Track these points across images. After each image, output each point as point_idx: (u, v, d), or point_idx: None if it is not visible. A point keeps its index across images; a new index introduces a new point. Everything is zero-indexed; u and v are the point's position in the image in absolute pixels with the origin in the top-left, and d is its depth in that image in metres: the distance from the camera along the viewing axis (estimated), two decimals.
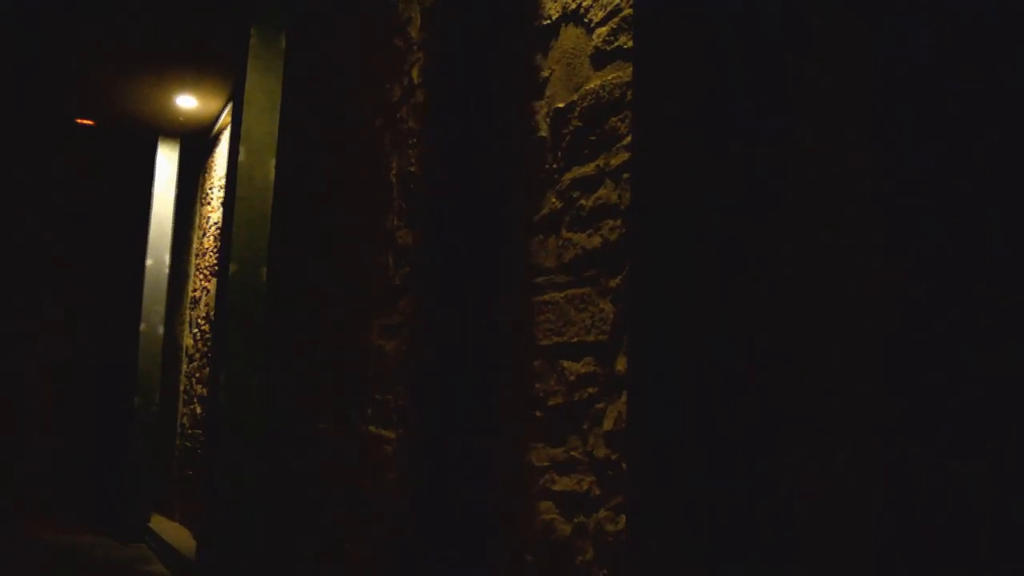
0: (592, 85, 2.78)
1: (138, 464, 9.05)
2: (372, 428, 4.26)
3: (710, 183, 2.35)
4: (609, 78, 2.70)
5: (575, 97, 2.86)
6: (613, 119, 2.66)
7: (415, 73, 4.25)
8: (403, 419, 3.93)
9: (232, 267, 5.20)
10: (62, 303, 10.89)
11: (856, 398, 1.96)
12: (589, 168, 2.74)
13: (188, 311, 9.90)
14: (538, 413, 2.86)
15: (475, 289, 3.40)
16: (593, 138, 2.74)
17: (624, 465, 2.47)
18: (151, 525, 8.87)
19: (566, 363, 2.75)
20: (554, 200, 2.90)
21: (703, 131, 2.35)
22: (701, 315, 2.37)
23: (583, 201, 2.75)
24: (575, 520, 2.62)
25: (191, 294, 9.88)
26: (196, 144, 9.83)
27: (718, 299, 2.40)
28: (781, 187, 2.30)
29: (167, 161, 9.52)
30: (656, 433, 2.24)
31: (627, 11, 2.66)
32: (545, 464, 2.80)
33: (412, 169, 4.14)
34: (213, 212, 9.02)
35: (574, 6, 2.91)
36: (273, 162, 5.32)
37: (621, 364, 2.52)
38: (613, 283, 2.57)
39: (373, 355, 4.36)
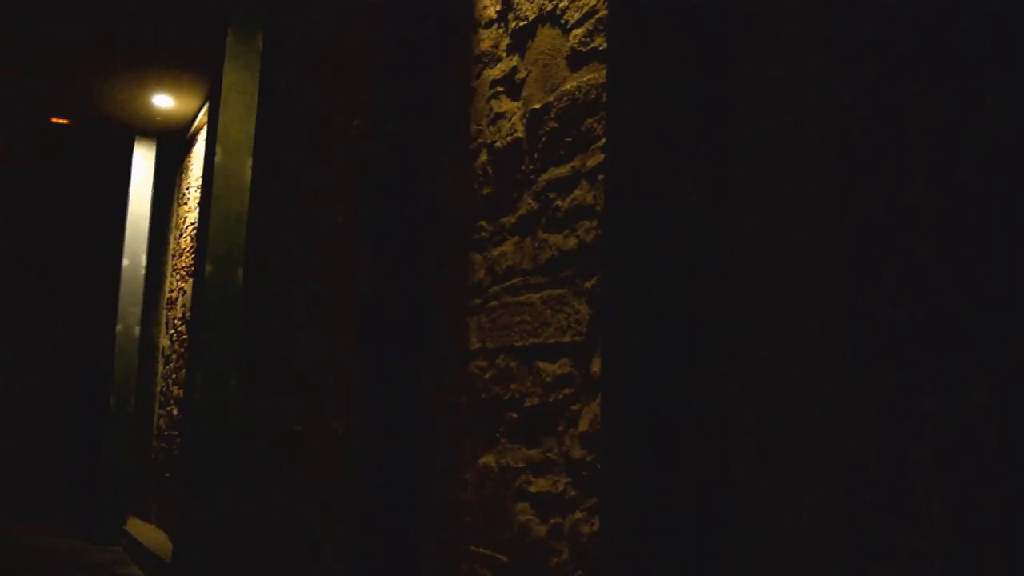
0: (568, 86, 2.78)
1: (114, 466, 8.99)
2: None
3: (684, 184, 2.35)
4: (585, 79, 2.70)
5: (551, 98, 2.86)
6: (589, 120, 2.66)
7: None
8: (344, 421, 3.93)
9: (208, 268, 5.18)
10: (36, 304, 10.80)
11: (826, 398, 1.97)
12: (565, 169, 2.74)
13: (165, 312, 9.84)
14: (514, 414, 2.86)
15: (414, 305, 3.43)
16: (569, 139, 2.74)
17: (599, 466, 2.47)
18: (127, 527, 8.81)
19: (542, 364, 2.75)
20: (530, 201, 2.90)
21: (676, 133, 2.35)
22: (675, 316, 2.37)
23: (559, 202, 2.75)
24: (551, 521, 2.62)
25: (168, 295, 9.83)
26: (173, 144, 9.78)
27: (692, 300, 2.41)
28: (754, 188, 2.31)
29: (144, 161, 9.46)
30: (630, 434, 2.24)
31: (603, 12, 2.66)
32: (521, 465, 2.80)
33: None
34: (190, 212, 8.97)
35: (550, 7, 2.91)
36: (250, 162, 5.30)
37: (596, 365, 2.53)
38: (588, 284, 2.57)
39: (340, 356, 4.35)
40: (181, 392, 8.49)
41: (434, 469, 3.36)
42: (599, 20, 2.67)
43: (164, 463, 8.97)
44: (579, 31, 2.75)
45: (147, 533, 8.43)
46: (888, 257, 1.85)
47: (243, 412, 5.46)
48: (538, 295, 2.81)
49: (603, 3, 2.66)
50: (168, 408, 9.08)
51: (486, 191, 3.20)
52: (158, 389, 9.73)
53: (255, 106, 5.38)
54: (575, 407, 2.57)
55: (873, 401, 1.87)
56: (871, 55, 1.93)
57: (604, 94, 2.62)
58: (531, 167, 2.93)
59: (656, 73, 2.31)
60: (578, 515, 2.51)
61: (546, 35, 2.93)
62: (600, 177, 2.59)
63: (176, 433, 8.49)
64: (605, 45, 2.64)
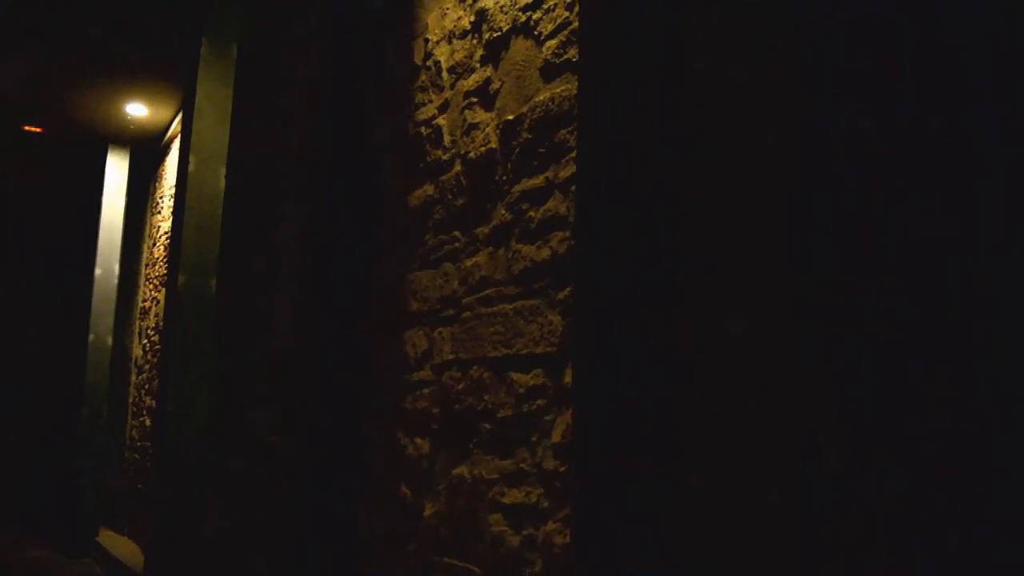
0: (542, 97, 2.78)
1: (86, 477, 8.91)
2: None
3: (654, 194, 2.36)
4: (558, 91, 2.71)
5: (525, 109, 2.86)
6: (562, 131, 2.67)
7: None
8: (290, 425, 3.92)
9: (181, 277, 5.14)
10: (6, 313, 10.70)
11: (798, 409, 1.98)
12: (539, 180, 2.75)
13: (138, 321, 9.77)
14: (488, 425, 2.86)
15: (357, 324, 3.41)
16: (542, 151, 2.74)
17: (571, 477, 2.47)
18: (99, 539, 8.73)
19: (515, 375, 2.74)
20: (503, 212, 2.90)
21: (647, 144, 2.35)
22: (646, 326, 2.37)
23: (532, 213, 2.75)
24: (524, 532, 2.62)
25: (141, 304, 9.76)
26: (147, 152, 9.72)
27: (662, 310, 2.41)
28: (724, 199, 2.31)
29: (117, 169, 9.40)
30: (601, 445, 2.24)
31: (576, 24, 2.67)
32: (495, 476, 2.79)
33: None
34: (164, 221, 8.92)
35: (524, 18, 2.91)
36: (224, 172, 5.27)
37: (569, 376, 2.53)
38: (561, 295, 2.57)
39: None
40: (154, 402, 8.43)
41: (390, 482, 3.35)
42: (572, 32, 2.68)
43: (137, 474, 8.90)
44: (552, 42, 2.75)
45: (119, 545, 8.35)
46: (851, 272, 1.86)
47: (216, 423, 5.42)
48: (511, 306, 2.81)
49: (576, 15, 2.67)
50: (141, 419, 9.01)
51: (460, 202, 3.19)
52: (131, 399, 9.65)
53: (229, 115, 5.36)
54: (548, 418, 2.57)
55: (832, 411, 1.89)
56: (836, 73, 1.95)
57: (577, 105, 2.63)
58: (505, 178, 2.93)
59: (627, 84, 2.32)
60: (551, 526, 2.51)
61: (520, 46, 2.94)
62: (573, 188, 2.60)
63: (149, 444, 8.42)
64: (577, 57, 2.65)
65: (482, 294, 2.98)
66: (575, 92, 2.64)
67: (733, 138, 2.17)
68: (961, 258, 1.68)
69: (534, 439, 2.62)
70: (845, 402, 1.91)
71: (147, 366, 8.98)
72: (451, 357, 3.14)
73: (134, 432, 9.31)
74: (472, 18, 3.26)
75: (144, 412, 8.88)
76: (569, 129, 2.64)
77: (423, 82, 3.62)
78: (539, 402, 2.62)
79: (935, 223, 1.72)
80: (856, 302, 1.85)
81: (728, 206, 2.44)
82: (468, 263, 3.09)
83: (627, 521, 2.14)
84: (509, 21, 3.01)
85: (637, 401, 2.35)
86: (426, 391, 3.30)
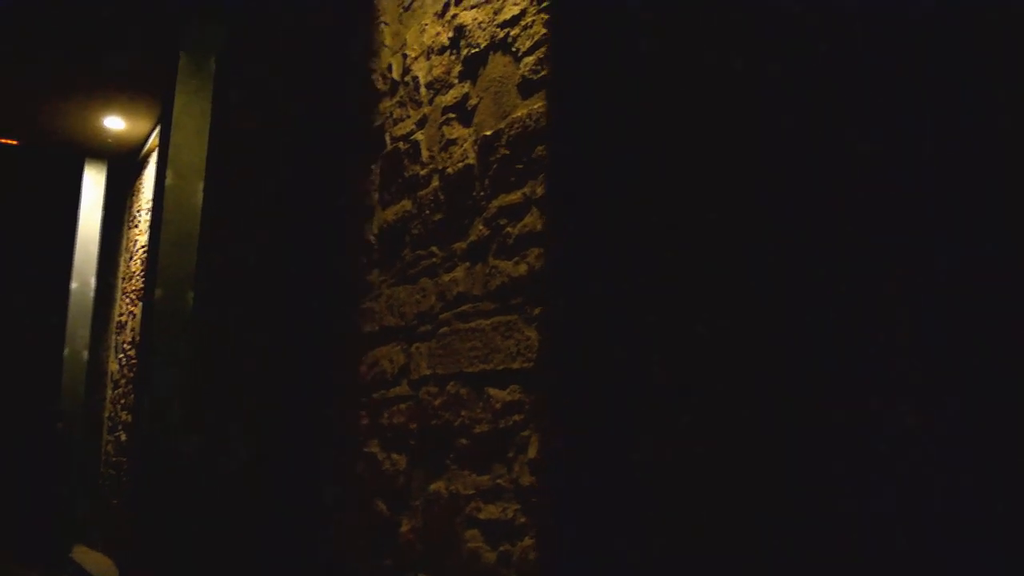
0: (519, 113, 2.79)
1: (60, 492, 8.83)
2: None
3: (627, 210, 2.37)
4: (535, 107, 2.72)
5: (502, 125, 2.87)
6: (540, 148, 2.68)
7: None
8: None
9: (158, 292, 5.11)
10: None
11: (770, 419, 1.99)
12: (516, 196, 2.75)
13: (114, 336, 9.70)
14: (464, 441, 2.85)
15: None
16: (520, 166, 2.75)
17: (545, 493, 2.48)
18: (73, 555, 8.64)
19: (492, 390, 2.74)
20: (481, 227, 2.91)
21: (617, 160, 2.37)
22: (621, 341, 2.38)
23: (510, 229, 2.76)
24: (500, 548, 2.61)
25: (117, 318, 9.69)
26: (124, 166, 9.68)
27: (637, 324, 2.42)
28: (695, 214, 2.33)
29: (94, 183, 9.36)
30: (575, 461, 2.25)
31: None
32: (471, 492, 2.79)
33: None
34: (141, 235, 8.87)
35: (502, 35, 2.93)
36: (202, 186, 5.25)
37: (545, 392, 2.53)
38: (538, 311, 2.58)
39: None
40: (129, 417, 8.37)
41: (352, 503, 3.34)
42: (550, 48, 2.69)
43: (112, 489, 8.83)
44: (530, 59, 2.77)
45: (94, 561, 8.27)
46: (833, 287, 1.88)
47: (191, 439, 5.38)
48: (489, 321, 2.81)
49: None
50: (116, 434, 8.94)
51: (437, 217, 3.20)
52: (106, 414, 9.58)
53: (207, 129, 5.34)
54: (525, 433, 2.57)
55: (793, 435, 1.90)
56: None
57: (549, 123, 2.65)
58: (482, 193, 2.93)
59: (596, 103, 2.33)
60: (527, 542, 2.50)
61: (498, 63, 2.95)
62: (548, 205, 2.60)
63: (124, 459, 8.35)
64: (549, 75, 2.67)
65: (459, 309, 2.98)
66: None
67: (700, 153, 2.19)
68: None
69: (511, 455, 2.62)
70: (821, 416, 1.93)
71: (123, 380, 8.93)
72: (428, 372, 3.14)
73: (109, 447, 9.24)
74: (450, 34, 3.28)
75: (120, 427, 8.81)
76: (546, 145, 2.65)
77: (401, 97, 3.63)
78: (516, 417, 2.62)
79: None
80: (822, 317, 1.87)
81: (693, 218, 2.46)
82: (446, 278, 3.10)
83: (598, 536, 2.14)
84: (487, 37, 3.02)
85: (610, 415, 2.36)
86: (403, 406, 3.29)
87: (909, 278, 3.20)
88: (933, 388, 3.19)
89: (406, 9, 3.70)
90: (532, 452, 2.52)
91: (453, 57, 3.24)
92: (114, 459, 8.89)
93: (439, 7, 3.39)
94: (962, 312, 3.26)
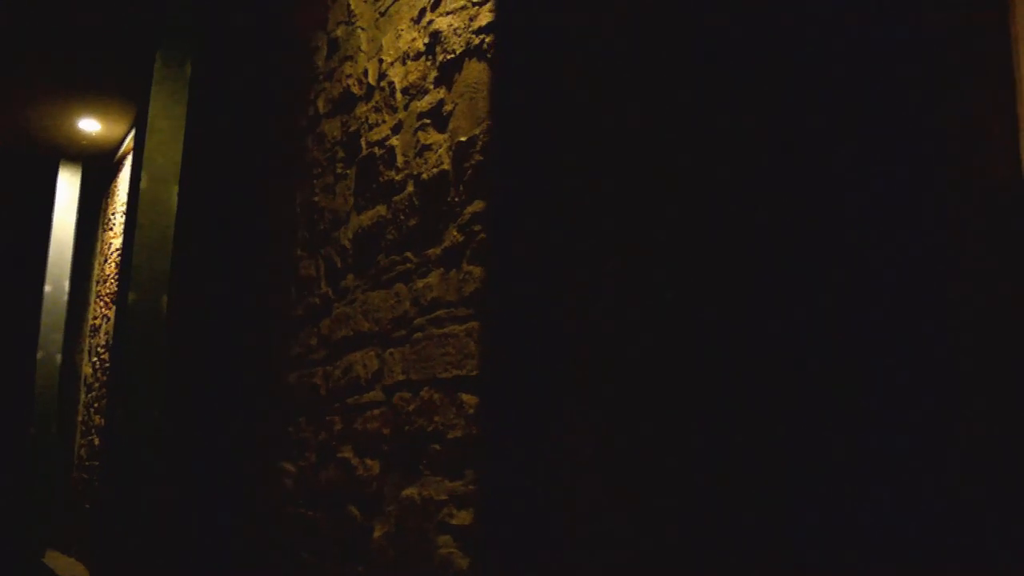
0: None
1: (32, 497, 8.76)
2: (273, 461, 4.20)
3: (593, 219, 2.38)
4: None
5: (477, 131, 2.88)
6: None
7: (320, 103, 4.23)
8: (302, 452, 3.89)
9: (132, 295, 5.09)
10: None
11: (706, 426, 2.01)
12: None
13: (88, 339, 9.64)
14: (437, 447, 2.86)
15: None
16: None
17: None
18: (46, 560, 8.58)
19: (465, 396, 2.75)
20: (455, 233, 2.91)
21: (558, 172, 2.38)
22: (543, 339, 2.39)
23: (484, 235, 2.76)
24: (472, 554, 2.62)
25: (91, 321, 9.63)
26: (99, 168, 9.62)
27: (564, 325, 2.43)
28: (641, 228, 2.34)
29: (68, 185, 9.30)
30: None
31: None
32: (444, 498, 2.79)
33: (316, 199, 4.12)
34: (116, 238, 8.82)
35: (477, 41, 2.93)
36: (176, 189, 5.24)
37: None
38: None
39: (277, 387, 4.30)
40: (103, 421, 8.32)
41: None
42: None
43: (85, 494, 8.76)
44: None
45: (66, 566, 8.21)
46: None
47: (167, 444, 5.36)
48: (463, 327, 2.81)
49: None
50: (90, 438, 8.88)
51: (412, 223, 3.20)
52: (80, 418, 9.51)
53: (183, 133, 5.33)
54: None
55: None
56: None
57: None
58: (457, 199, 2.94)
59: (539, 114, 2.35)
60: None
61: (473, 69, 2.95)
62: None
63: (97, 463, 8.30)
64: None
65: (434, 315, 2.98)
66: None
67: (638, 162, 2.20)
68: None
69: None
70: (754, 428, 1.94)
71: (97, 384, 8.87)
72: (402, 378, 3.14)
73: (82, 451, 9.17)
74: (426, 40, 3.28)
75: (93, 431, 8.76)
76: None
77: (377, 102, 3.63)
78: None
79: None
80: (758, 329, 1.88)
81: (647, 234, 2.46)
82: (420, 284, 3.10)
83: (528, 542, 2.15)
84: (463, 44, 3.03)
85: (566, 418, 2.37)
86: (377, 412, 3.29)
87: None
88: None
89: (382, 14, 3.70)
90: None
91: (429, 63, 3.24)
92: (87, 463, 8.83)
93: (415, 13, 3.40)
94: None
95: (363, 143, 3.71)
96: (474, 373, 2.72)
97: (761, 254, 3.26)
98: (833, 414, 3.24)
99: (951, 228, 3.31)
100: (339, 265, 3.79)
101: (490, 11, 2.89)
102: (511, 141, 2.81)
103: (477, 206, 2.82)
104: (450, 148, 3.02)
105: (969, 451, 3.15)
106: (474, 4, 2.98)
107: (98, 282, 9.54)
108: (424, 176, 3.17)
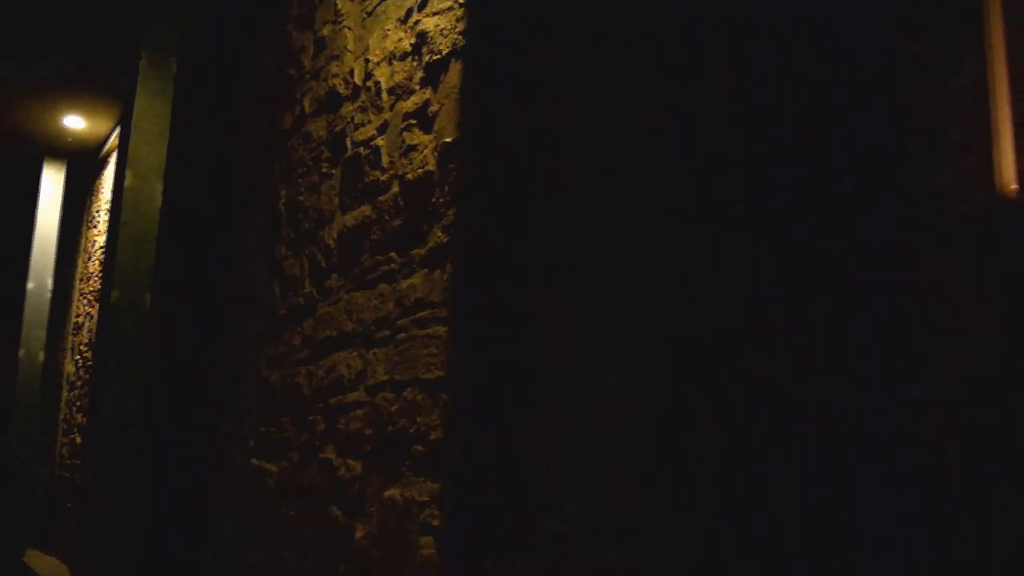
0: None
1: (14, 495, 8.71)
2: (255, 461, 4.19)
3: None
4: None
5: (459, 134, 2.88)
6: None
7: (306, 102, 4.23)
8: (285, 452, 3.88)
9: (115, 293, 5.07)
10: None
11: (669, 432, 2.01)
12: None
13: (70, 337, 9.60)
14: (420, 448, 2.85)
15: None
16: None
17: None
18: (26, 559, 8.53)
19: (447, 397, 2.75)
20: (440, 234, 2.91)
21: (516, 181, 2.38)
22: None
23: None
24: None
25: (74, 319, 9.59)
26: (84, 165, 9.58)
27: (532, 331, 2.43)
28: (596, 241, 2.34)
29: (53, 182, 9.26)
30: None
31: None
32: (426, 499, 2.79)
33: (301, 198, 4.11)
34: (100, 236, 8.78)
35: (463, 42, 2.93)
36: (161, 187, 5.22)
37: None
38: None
39: (260, 386, 4.29)
40: (85, 420, 8.28)
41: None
42: None
43: (67, 492, 8.72)
44: None
45: (47, 566, 8.17)
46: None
47: (149, 441, 5.34)
48: (446, 328, 2.81)
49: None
50: (72, 436, 8.84)
51: (397, 223, 3.20)
52: (62, 416, 9.47)
53: (168, 130, 5.31)
54: None
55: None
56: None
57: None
58: (442, 200, 2.94)
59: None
60: None
61: (459, 69, 2.95)
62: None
63: (79, 462, 8.26)
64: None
65: (417, 316, 2.98)
66: None
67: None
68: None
69: None
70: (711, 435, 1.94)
71: (79, 383, 8.83)
72: (385, 378, 3.13)
73: (64, 450, 9.13)
74: (413, 40, 3.28)
75: (75, 430, 8.71)
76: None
77: (363, 102, 3.63)
78: None
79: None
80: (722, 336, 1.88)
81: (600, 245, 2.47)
82: (404, 284, 3.09)
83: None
84: (449, 44, 3.03)
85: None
86: (360, 412, 3.29)
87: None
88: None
89: (369, 14, 3.70)
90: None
91: (415, 63, 3.24)
92: (69, 462, 8.79)
93: (402, 13, 3.39)
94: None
95: (349, 143, 3.71)
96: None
97: (724, 260, 3.28)
98: (772, 428, 3.26)
99: (921, 243, 3.32)
100: (323, 265, 3.78)
101: (463, 15, 2.89)
102: (483, 146, 2.82)
103: (457, 207, 2.82)
104: (435, 149, 3.02)
105: (920, 469, 3.17)
106: (460, 5, 2.99)
107: (81, 280, 9.50)
108: (409, 176, 3.16)
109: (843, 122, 3.52)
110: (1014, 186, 2.96)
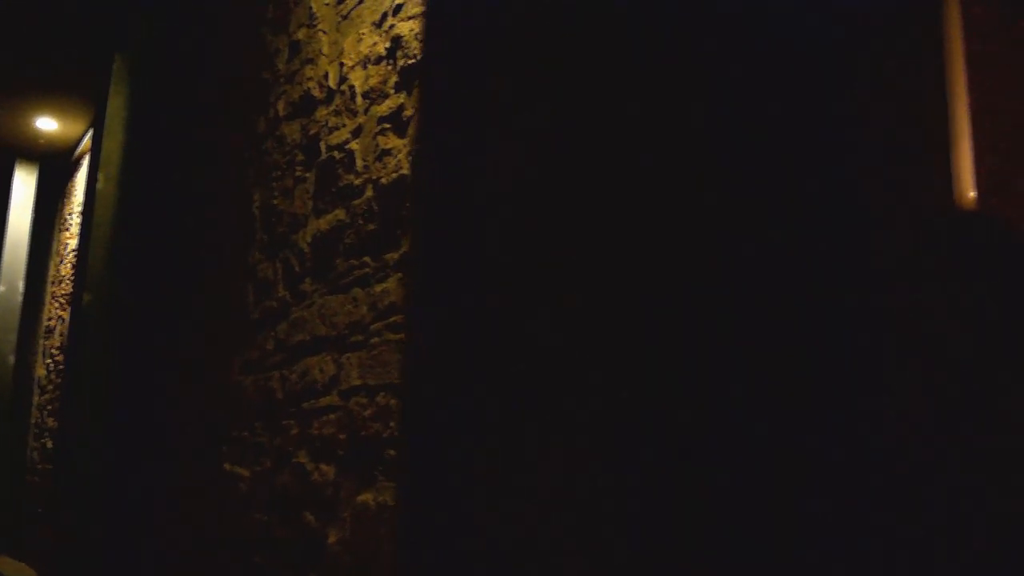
0: None
1: None
2: (227, 466, 4.17)
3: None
4: None
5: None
6: None
7: (280, 105, 4.21)
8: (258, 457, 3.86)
9: (87, 297, 5.04)
10: None
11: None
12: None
13: (42, 341, 9.51)
14: (392, 452, 2.85)
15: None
16: None
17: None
18: None
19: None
20: (413, 239, 2.91)
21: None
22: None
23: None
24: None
25: (46, 323, 9.51)
26: (57, 167, 9.50)
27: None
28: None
29: (24, 184, 9.18)
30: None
31: None
32: (393, 504, 2.78)
33: (275, 202, 4.10)
34: (72, 238, 8.71)
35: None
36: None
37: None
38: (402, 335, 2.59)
39: (232, 391, 4.27)
40: (57, 424, 8.21)
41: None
42: None
43: (38, 498, 8.64)
44: None
45: (16, 571, 8.08)
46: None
47: (121, 446, 5.30)
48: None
49: None
50: (43, 440, 8.76)
51: (371, 227, 3.19)
52: (33, 420, 9.38)
53: (140, 132, 5.28)
54: None
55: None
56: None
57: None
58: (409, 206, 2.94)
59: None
60: None
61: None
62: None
63: (50, 466, 8.19)
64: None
65: (391, 320, 2.98)
66: None
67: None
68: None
69: None
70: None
71: (51, 387, 8.75)
72: (359, 383, 3.13)
73: (35, 454, 9.05)
74: (387, 44, 3.27)
75: (46, 433, 8.64)
76: None
77: (337, 106, 3.62)
78: None
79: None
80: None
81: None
82: (378, 289, 3.09)
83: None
84: (424, 48, 3.03)
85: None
86: (333, 416, 3.28)
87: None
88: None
89: (344, 18, 3.69)
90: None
91: (389, 67, 3.24)
92: (40, 466, 8.71)
93: (377, 17, 3.39)
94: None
95: (323, 146, 3.70)
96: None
97: (683, 273, 3.29)
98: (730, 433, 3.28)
99: (884, 252, 3.35)
100: (297, 269, 3.77)
101: (420, 16, 2.89)
102: (436, 151, 2.83)
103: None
104: (410, 153, 3.02)
105: (879, 477, 3.20)
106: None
107: (53, 283, 9.42)
108: (384, 181, 3.16)
109: (800, 130, 3.55)
110: (972, 193, 2.99)
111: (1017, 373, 2.92)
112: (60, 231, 9.50)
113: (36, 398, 9.38)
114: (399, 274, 2.96)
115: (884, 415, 3.29)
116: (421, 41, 3.01)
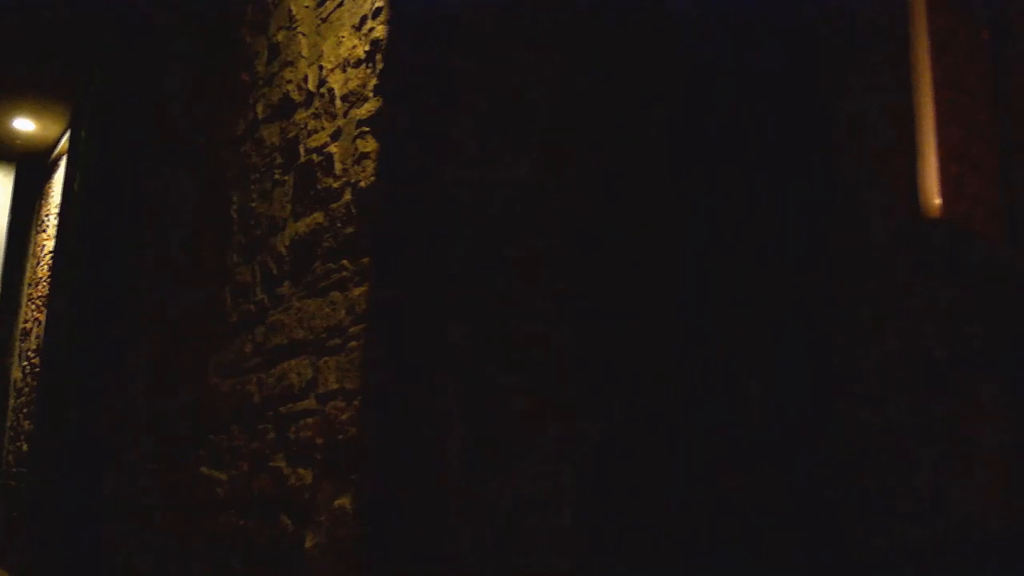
0: None
1: None
2: (204, 469, 4.15)
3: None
4: None
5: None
6: None
7: (259, 108, 4.20)
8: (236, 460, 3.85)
9: (60, 299, 5.00)
10: None
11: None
12: None
13: (18, 343, 9.44)
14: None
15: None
16: None
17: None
18: None
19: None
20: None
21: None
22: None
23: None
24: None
25: (22, 325, 9.44)
26: (34, 169, 9.43)
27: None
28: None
29: (1, 185, 9.11)
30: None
31: None
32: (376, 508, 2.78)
33: (253, 205, 4.08)
34: (49, 240, 8.65)
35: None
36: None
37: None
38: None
39: (209, 395, 4.25)
40: (32, 427, 8.14)
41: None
42: None
43: (13, 502, 8.57)
44: None
45: None
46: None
47: (96, 450, 5.27)
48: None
49: None
50: (18, 444, 8.69)
51: (349, 230, 3.18)
52: (8, 423, 9.31)
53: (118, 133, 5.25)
54: None
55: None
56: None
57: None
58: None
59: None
60: None
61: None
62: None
63: (26, 470, 8.12)
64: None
65: (367, 324, 2.97)
66: None
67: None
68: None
69: None
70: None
71: (27, 389, 8.69)
72: (336, 387, 3.12)
73: (11, 457, 8.98)
74: (367, 47, 3.27)
75: (22, 437, 8.58)
76: None
77: (316, 109, 3.61)
78: None
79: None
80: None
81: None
82: (356, 292, 3.08)
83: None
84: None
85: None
86: (310, 420, 3.27)
87: None
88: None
89: (323, 20, 3.68)
90: None
91: (369, 70, 3.23)
92: (15, 470, 8.64)
93: (356, 20, 3.39)
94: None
95: (302, 150, 3.69)
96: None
97: (641, 283, 3.30)
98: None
99: (850, 257, 3.37)
100: (275, 272, 3.76)
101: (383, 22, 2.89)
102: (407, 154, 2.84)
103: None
104: (378, 155, 3.02)
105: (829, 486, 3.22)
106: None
107: (30, 285, 9.35)
108: (362, 184, 3.16)
109: (766, 138, 3.56)
110: (938, 201, 3.02)
111: (987, 370, 2.96)
112: (37, 232, 9.43)
113: (11, 401, 9.31)
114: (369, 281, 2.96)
115: (860, 415, 3.31)
116: (384, 48, 3.01)
